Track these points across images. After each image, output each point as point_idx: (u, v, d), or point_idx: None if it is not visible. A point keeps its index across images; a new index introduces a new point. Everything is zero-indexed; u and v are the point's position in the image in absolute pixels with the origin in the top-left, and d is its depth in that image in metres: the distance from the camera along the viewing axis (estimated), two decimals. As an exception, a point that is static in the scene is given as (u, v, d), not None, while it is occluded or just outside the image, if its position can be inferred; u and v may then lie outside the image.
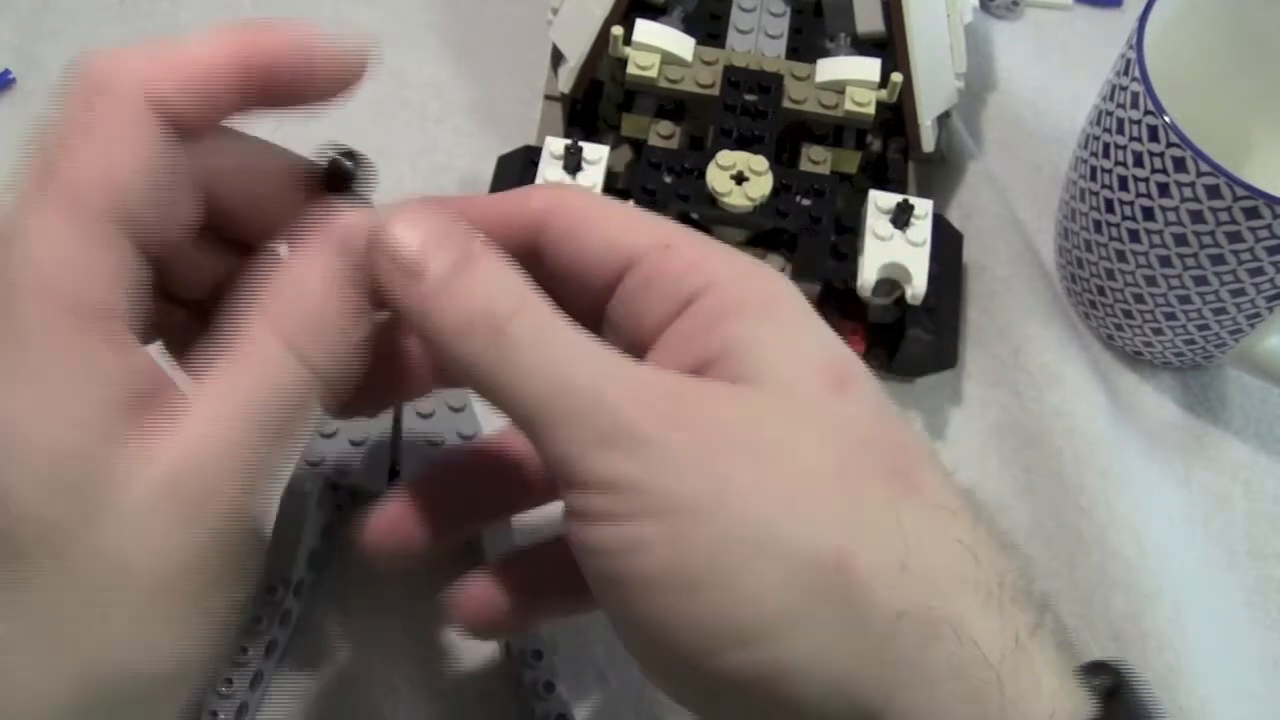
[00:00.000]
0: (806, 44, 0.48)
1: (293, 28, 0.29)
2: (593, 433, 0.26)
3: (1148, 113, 0.42)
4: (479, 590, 0.33)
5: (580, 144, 0.44)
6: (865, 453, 0.28)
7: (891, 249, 0.44)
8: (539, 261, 0.30)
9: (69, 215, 0.25)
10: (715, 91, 0.46)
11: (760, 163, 0.43)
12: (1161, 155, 0.42)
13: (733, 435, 0.27)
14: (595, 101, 0.50)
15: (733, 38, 0.48)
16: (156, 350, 0.31)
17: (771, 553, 0.26)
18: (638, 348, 0.29)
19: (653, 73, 0.45)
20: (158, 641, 0.26)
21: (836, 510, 0.27)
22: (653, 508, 0.26)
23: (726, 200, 0.43)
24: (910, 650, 0.26)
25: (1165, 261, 0.44)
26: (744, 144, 0.44)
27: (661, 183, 0.43)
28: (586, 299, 0.30)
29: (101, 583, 0.25)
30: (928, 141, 0.49)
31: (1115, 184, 0.44)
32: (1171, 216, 0.42)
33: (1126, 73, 0.43)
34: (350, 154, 0.30)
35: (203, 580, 0.26)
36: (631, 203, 0.44)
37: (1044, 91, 0.56)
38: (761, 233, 0.44)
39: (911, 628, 0.26)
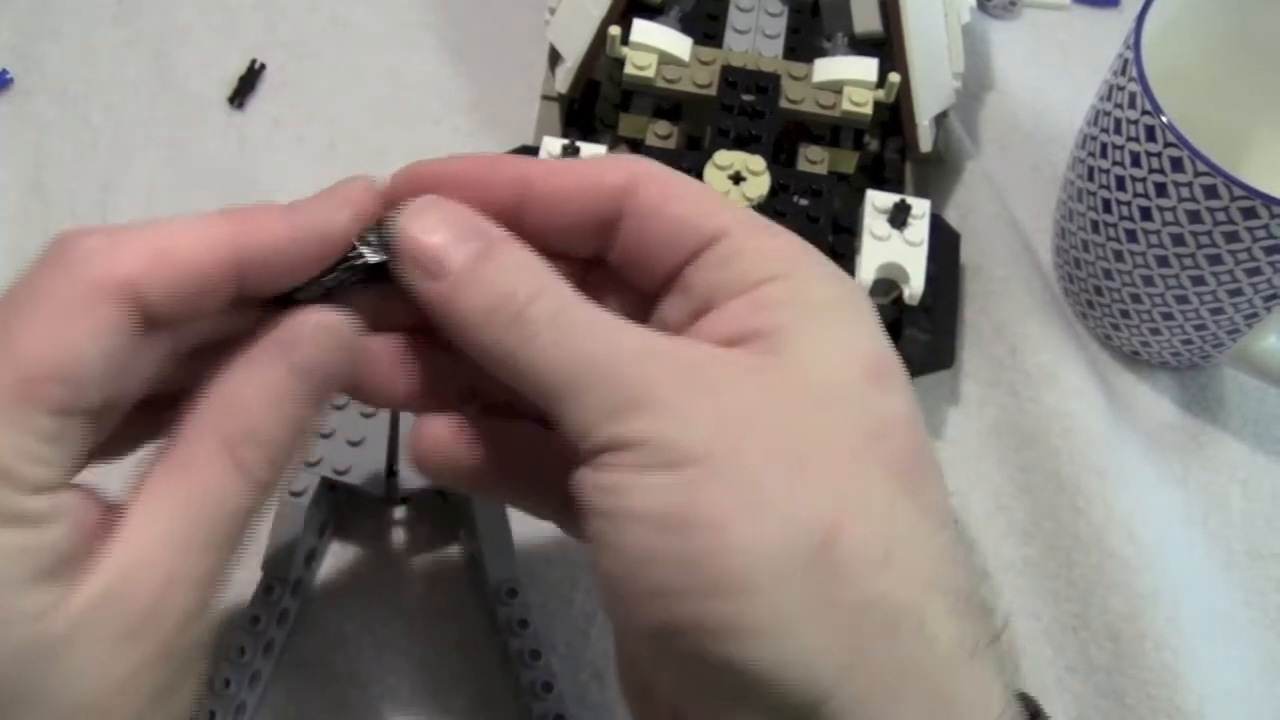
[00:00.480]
0: (804, 44, 0.48)
1: (293, 215, 0.29)
2: (612, 400, 0.27)
3: (1145, 113, 0.42)
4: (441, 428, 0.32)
5: (578, 144, 0.44)
6: (878, 444, 0.28)
7: (889, 249, 0.44)
8: (614, 232, 0.31)
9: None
10: (713, 91, 0.46)
11: (758, 163, 0.43)
12: (1159, 155, 0.42)
13: (748, 406, 0.28)
14: (593, 101, 0.50)
15: (730, 38, 0.48)
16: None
17: (767, 511, 0.27)
18: (699, 313, 0.30)
19: (650, 73, 0.45)
20: None
21: (836, 488, 0.27)
22: (661, 460, 0.27)
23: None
24: (872, 636, 0.26)
25: (1163, 261, 0.44)
26: (741, 144, 0.44)
27: (659, 183, 0.43)
28: (664, 264, 0.31)
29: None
30: (925, 141, 0.49)
31: (1113, 184, 0.44)
32: (1169, 217, 0.42)
33: (1124, 73, 0.43)
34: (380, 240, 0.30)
35: (153, 691, 0.26)
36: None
37: (1041, 91, 0.56)
38: (759, 233, 0.44)
39: (878, 614, 0.27)
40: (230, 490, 0.28)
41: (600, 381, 0.28)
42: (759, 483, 0.27)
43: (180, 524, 0.27)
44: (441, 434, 0.32)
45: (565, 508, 0.30)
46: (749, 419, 0.28)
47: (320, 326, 0.29)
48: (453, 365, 0.32)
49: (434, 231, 0.29)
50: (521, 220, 0.31)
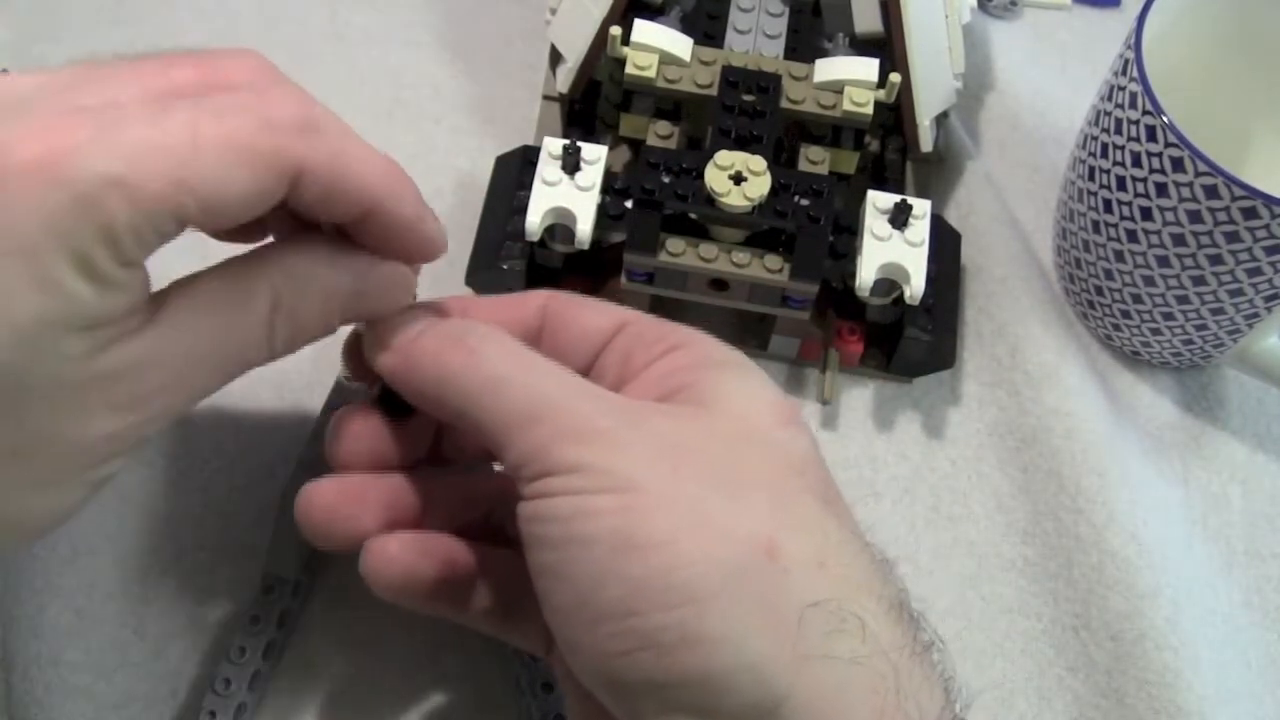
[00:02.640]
0: (805, 44, 0.48)
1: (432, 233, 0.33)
2: (560, 429, 0.30)
3: (1146, 113, 0.42)
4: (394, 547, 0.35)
5: (578, 144, 0.44)
6: (799, 475, 0.31)
7: (890, 249, 0.44)
8: (539, 336, 0.35)
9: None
10: (713, 91, 0.46)
11: (758, 163, 0.43)
12: (1159, 155, 0.42)
13: (682, 442, 0.31)
14: (593, 101, 0.50)
15: (731, 38, 0.48)
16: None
17: (710, 527, 0.29)
18: (618, 386, 0.34)
19: (651, 73, 0.45)
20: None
21: (770, 508, 0.30)
22: (606, 484, 0.29)
23: (725, 200, 0.43)
24: (818, 637, 0.28)
25: (1163, 262, 0.44)
26: (742, 144, 0.44)
27: (660, 182, 0.43)
28: (580, 354, 0.35)
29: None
30: (926, 142, 0.49)
31: (1113, 184, 0.44)
32: (1169, 217, 0.42)
33: (1125, 73, 0.43)
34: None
35: (109, 455, 0.29)
36: (630, 203, 0.44)
37: (1042, 92, 0.56)
38: (759, 233, 0.44)
39: (821, 617, 0.28)
40: (252, 344, 0.31)
41: (549, 412, 0.30)
42: (698, 505, 0.29)
43: (203, 347, 0.30)
44: (394, 551, 0.34)
45: (534, 634, 0.35)
46: (683, 452, 0.30)
47: (398, 275, 0.33)
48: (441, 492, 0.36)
49: (393, 320, 0.33)
50: None
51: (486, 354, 0.32)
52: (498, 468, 0.38)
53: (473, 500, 0.37)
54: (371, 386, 0.36)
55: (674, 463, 0.30)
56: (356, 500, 0.34)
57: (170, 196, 0.27)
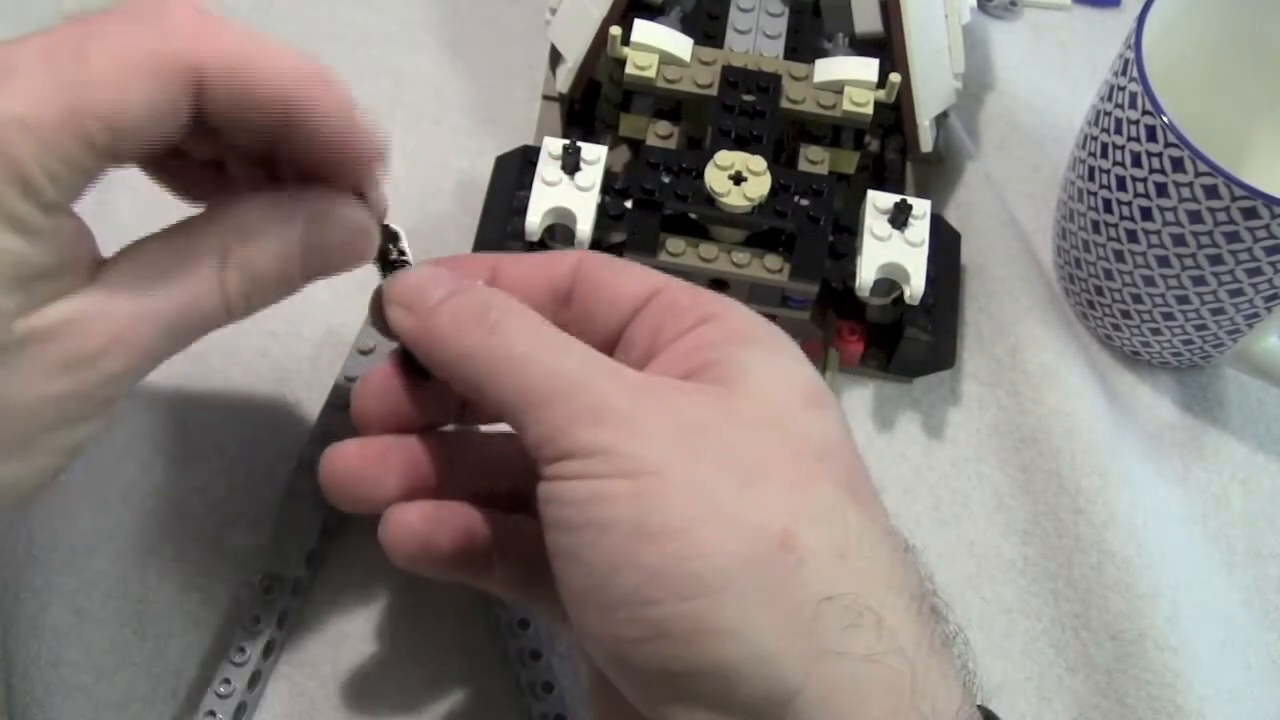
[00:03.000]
0: (804, 44, 0.48)
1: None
2: (579, 409, 0.29)
3: (1146, 113, 0.42)
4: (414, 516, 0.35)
5: (578, 144, 0.44)
6: (821, 461, 0.30)
7: (889, 249, 0.44)
8: (570, 296, 0.35)
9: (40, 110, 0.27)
10: (713, 91, 0.46)
11: (758, 163, 0.43)
12: (1159, 155, 0.42)
13: (702, 424, 0.30)
14: (593, 101, 0.50)
15: (731, 38, 0.48)
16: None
17: (726, 517, 0.28)
18: (647, 359, 0.33)
19: (651, 73, 0.45)
20: None
21: (788, 497, 0.29)
22: (623, 469, 0.29)
23: (725, 200, 0.43)
24: (833, 632, 0.28)
25: (1163, 262, 0.44)
26: (742, 144, 0.44)
27: (660, 182, 0.43)
28: (611, 322, 0.34)
29: None
30: (926, 142, 0.49)
31: (1113, 184, 0.44)
32: (1169, 217, 0.42)
33: (1125, 73, 0.43)
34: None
35: (58, 419, 0.29)
36: (629, 203, 0.44)
37: (1042, 92, 0.56)
38: (759, 233, 0.44)
39: (837, 611, 0.28)
40: (204, 299, 0.30)
41: (568, 392, 0.30)
42: (714, 493, 0.29)
43: (149, 302, 0.29)
44: (412, 521, 0.34)
45: (548, 596, 0.33)
46: (702, 436, 0.29)
47: (352, 218, 0.32)
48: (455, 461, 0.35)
49: (413, 277, 0.33)
50: None
51: (507, 330, 0.31)
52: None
53: (498, 466, 0.36)
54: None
55: (692, 447, 0.29)
56: (378, 462, 0.34)
57: (70, 122, 0.26)
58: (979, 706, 0.30)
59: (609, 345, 0.34)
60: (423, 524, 0.34)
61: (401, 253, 0.35)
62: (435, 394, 0.35)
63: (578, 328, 0.34)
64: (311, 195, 0.32)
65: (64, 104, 0.26)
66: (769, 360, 0.32)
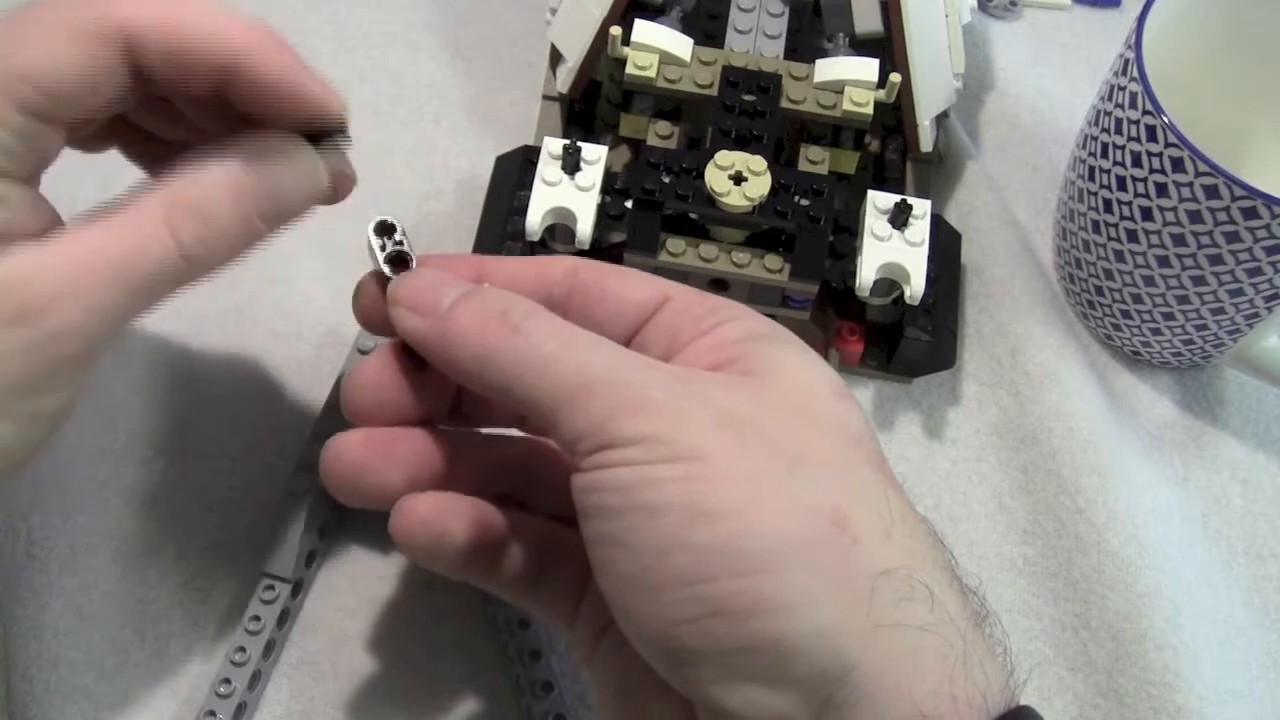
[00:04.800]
0: (805, 44, 0.48)
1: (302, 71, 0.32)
2: (617, 402, 0.29)
3: (1146, 113, 0.42)
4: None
5: (578, 144, 0.44)
6: (856, 447, 0.31)
7: (890, 249, 0.44)
8: (568, 307, 0.34)
9: None
10: (713, 91, 0.46)
11: (758, 163, 0.43)
12: (1160, 155, 0.42)
13: (741, 412, 0.30)
14: (593, 102, 0.50)
15: (731, 38, 0.48)
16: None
17: (777, 498, 0.29)
18: (665, 361, 0.33)
19: (651, 73, 0.45)
20: None
21: (834, 479, 0.30)
22: (671, 454, 0.29)
23: (725, 200, 0.43)
24: (888, 605, 0.28)
25: (1163, 262, 0.44)
26: (742, 144, 0.44)
27: (660, 183, 0.43)
28: (619, 329, 0.34)
29: None
30: (926, 142, 0.49)
31: (1113, 184, 0.44)
32: (1170, 217, 0.42)
33: (1125, 73, 0.43)
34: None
35: (16, 382, 0.29)
36: (630, 203, 0.44)
37: (1042, 92, 0.56)
38: (760, 233, 0.44)
39: (891, 585, 0.28)
40: (154, 245, 0.30)
41: (603, 386, 0.30)
42: (763, 476, 0.29)
43: (95, 253, 0.29)
44: (425, 511, 0.34)
45: (556, 603, 0.35)
46: (743, 423, 0.30)
47: (295, 155, 0.32)
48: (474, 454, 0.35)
49: (421, 279, 0.33)
50: None
51: (532, 330, 0.31)
52: (514, 433, 0.38)
53: (497, 467, 0.36)
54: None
55: (735, 433, 0.29)
56: (383, 454, 0.34)
57: (2, 87, 0.27)
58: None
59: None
60: (436, 515, 0.34)
61: (399, 244, 0.35)
62: (433, 387, 0.35)
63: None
64: (251, 135, 0.32)
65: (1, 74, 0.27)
66: (791, 355, 0.32)
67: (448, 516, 0.34)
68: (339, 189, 0.34)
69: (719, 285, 0.45)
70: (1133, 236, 0.44)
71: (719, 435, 0.29)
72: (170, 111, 0.34)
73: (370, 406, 0.34)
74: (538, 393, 0.30)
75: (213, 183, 0.31)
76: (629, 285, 0.34)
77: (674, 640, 0.29)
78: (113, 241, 0.30)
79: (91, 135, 0.33)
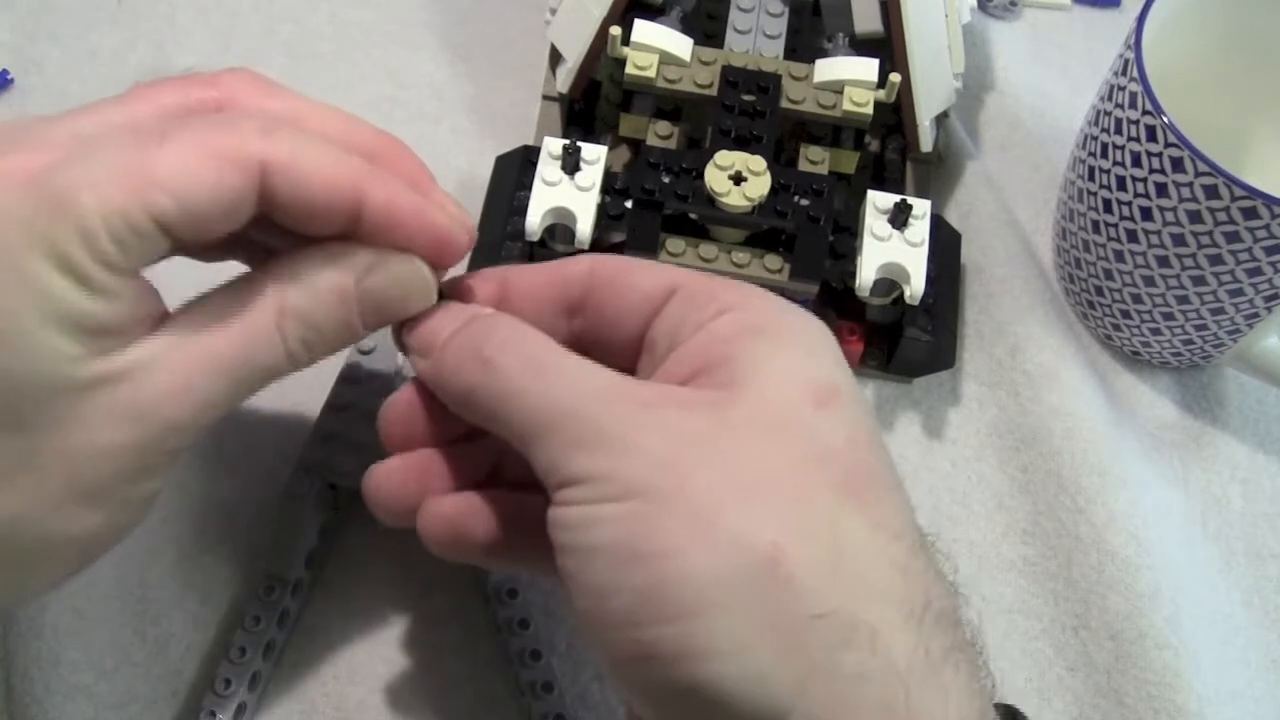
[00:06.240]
0: (804, 44, 0.48)
1: (422, 207, 0.33)
2: (572, 439, 0.30)
3: (1146, 113, 0.42)
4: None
5: (578, 144, 0.44)
6: (820, 465, 0.30)
7: (890, 249, 0.44)
8: (584, 304, 0.34)
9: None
10: (713, 91, 0.46)
11: (758, 163, 0.43)
12: (1160, 155, 0.42)
13: (697, 438, 0.29)
14: (593, 102, 0.50)
15: (731, 38, 0.48)
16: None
17: (712, 538, 0.28)
18: (668, 354, 0.33)
19: (651, 73, 0.45)
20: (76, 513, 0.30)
21: (780, 511, 0.29)
22: (613, 493, 0.29)
23: (725, 200, 0.43)
24: (824, 650, 0.28)
25: (1163, 262, 0.44)
26: (742, 144, 0.44)
27: (660, 183, 0.43)
28: (630, 324, 0.34)
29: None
30: (926, 142, 0.49)
31: (1113, 184, 0.44)
32: (1169, 217, 0.42)
33: (1125, 73, 0.43)
34: None
35: (122, 471, 0.30)
36: (630, 203, 0.44)
37: (1042, 92, 0.56)
38: (759, 233, 0.44)
39: (829, 628, 0.28)
40: (264, 347, 0.31)
41: (563, 421, 0.30)
42: (704, 511, 0.28)
43: (211, 351, 0.31)
44: (449, 512, 0.34)
45: None
46: (697, 449, 0.29)
47: (409, 270, 0.33)
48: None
49: (428, 323, 0.34)
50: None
51: (501, 366, 0.31)
52: None
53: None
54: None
55: (685, 464, 0.29)
56: (419, 477, 0.35)
57: (139, 192, 0.28)
58: (1006, 705, 0.30)
59: (633, 348, 0.34)
60: (458, 515, 0.34)
61: None
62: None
63: (595, 335, 0.34)
64: (365, 247, 0.33)
65: (139, 177, 0.28)
66: (779, 355, 0.31)
67: (470, 515, 0.34)
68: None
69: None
70: (1133, 236, 0.44)
71: (667, 469, 0.29)
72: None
73: (403, 434, 0.35)
74: (512, 427, 0.31)
75: (326, 291, 0.32)
76: (641, 277, 0.34)
77: (622, 679, 0.30)
78: (226, 344, 0.31)
79: (205, 247, 0.34)
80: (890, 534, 0.30)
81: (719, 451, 0.29)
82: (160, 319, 0.30)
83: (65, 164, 0.28)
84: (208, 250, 0.34)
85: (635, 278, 0.34)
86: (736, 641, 0.28)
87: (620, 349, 0.34)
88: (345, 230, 0.32)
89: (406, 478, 0.34)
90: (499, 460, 0.36)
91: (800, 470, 0.29)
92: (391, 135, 0.34)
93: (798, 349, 0.32)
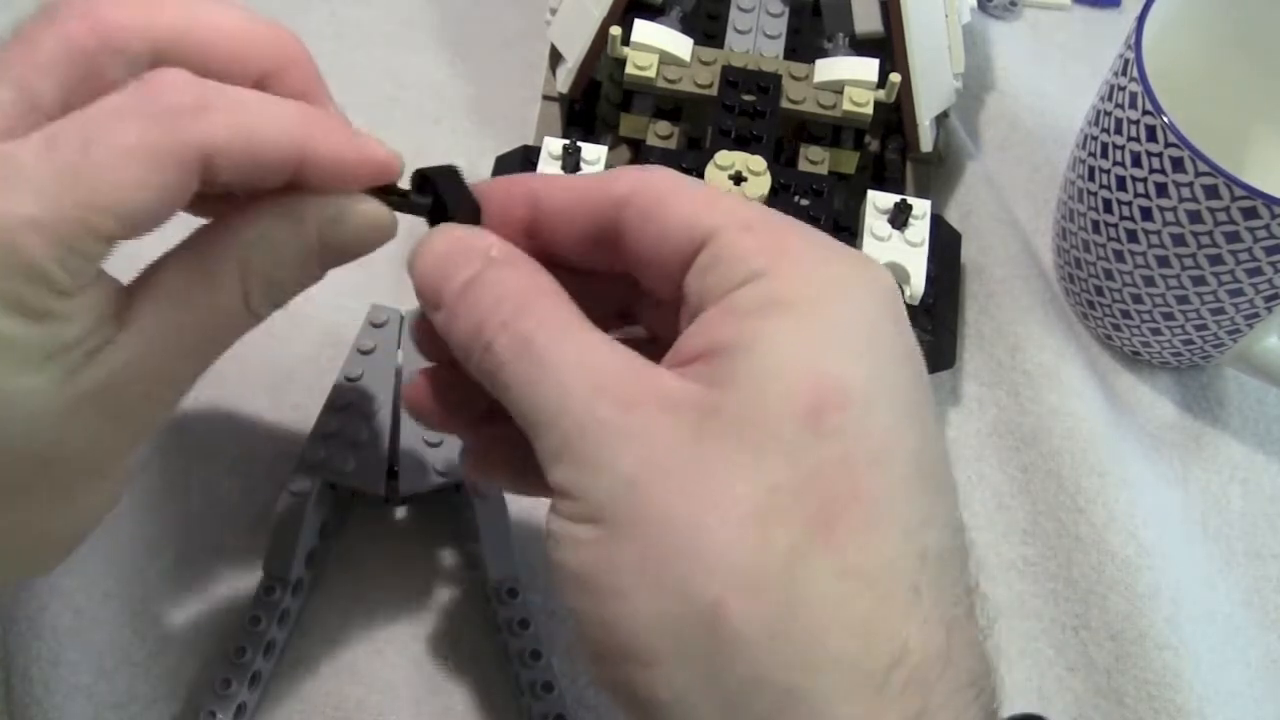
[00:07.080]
0: (805, 44, 0.48)
1: (359, 138, 0.31)
2: (558, 443, 0.28)
3: (1146, 113, 0.42)
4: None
5: (579, 144, 0.44)
6: (795, 497, 0.26)
7: (890, 249, 0.44)
8: (620, 239, 0.31)
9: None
10: (713, 92, 0.46)
11: (758, 163, 0.43)
12: (1160, 155, 0.42)
13: (668, 452, 0.27)
14: (593, 102, 0.50)
15: (731, 38, 0.48)
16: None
17: (660, 584, 0.27)
18: (698, 313, 0.29)
19: (651, 73, 0.45)
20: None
21: (729, 559, 0.26)
22: (585, 514, 0.27)
23: (725, 200, 0.43)
24: (761, 717, 0.26)
25: (1163, 262, 0.44)
26: (742, 144, 0.44)
27: (660, 183, 0.43)
28: (666, 273, 0.30)
29: None
30: (926, 142, 0.49)
31: (1113, 184, 0.44)
32: (1169, 217, 0.42)
33: (1125, 73, 0.43)
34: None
35: (110, 452, 0.31)
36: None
37: (1042, 92, 0.56)
38: (760, 233, 0.44)
39: (765, 697, 0.26)
40: (232, 315, 0.31)
41: (553, 421, 0.28)
42: (655, 552, 0.27)
43: (180, 333, 0.30)
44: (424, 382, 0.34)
45: None
46: (665, 469, 0.27)
47: (366, 214, 0.31)
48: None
49: (435, 259, 0.31)
50: (534, 237, 0.32)
51: (497, 352, 0.29)
52: None
53: None
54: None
55: (652, 488, 0.27)
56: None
57: (82, 219, 0.27)
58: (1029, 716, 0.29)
59: (673, 292, 0.30)
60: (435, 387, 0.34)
61: (427, 199, 0.32)
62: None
63: (637, 269, 0.31)
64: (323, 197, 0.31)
65: (73, 201, 0.27)
66: (791, 342, 0.27)
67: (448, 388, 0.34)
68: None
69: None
70: (1133, 236, 0.44)
71: (629, 495, 0.27)
72: None
73: (429, 412, 0.34)
74: (514, 417, 0.29)
75: (291, 255, 0.31)
76: (678, 215, 0.30)
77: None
78: (198, 320, 0.30)
79: None
80: (861, 580, 0.26)
81: (686, 476, 0.27)
82: (119, 304, 0.29)
83: None
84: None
85: (672, 216, 0.30)
86: (680, 696, 0.26)
87: (665, 295, 0.31)
88: (290, 182, 0.30)
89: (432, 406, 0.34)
90: None
91: (769, 502, 0.26)
92: (281, 29, 0.32)
93: (818, 333, 0.28)
